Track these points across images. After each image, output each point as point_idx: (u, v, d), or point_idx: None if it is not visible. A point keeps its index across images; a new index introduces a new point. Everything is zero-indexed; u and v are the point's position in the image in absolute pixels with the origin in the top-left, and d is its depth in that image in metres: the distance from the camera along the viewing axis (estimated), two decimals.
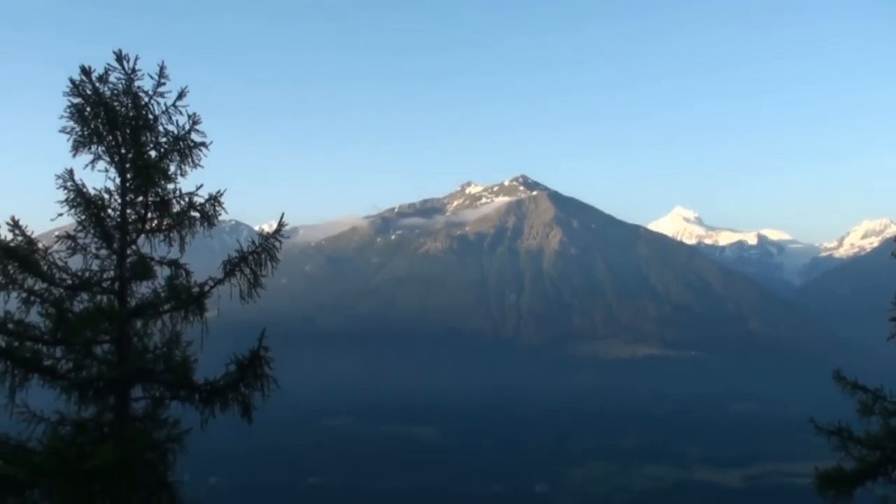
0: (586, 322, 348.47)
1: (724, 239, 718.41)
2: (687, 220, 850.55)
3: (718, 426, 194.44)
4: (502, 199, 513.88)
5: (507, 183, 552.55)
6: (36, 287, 11.22)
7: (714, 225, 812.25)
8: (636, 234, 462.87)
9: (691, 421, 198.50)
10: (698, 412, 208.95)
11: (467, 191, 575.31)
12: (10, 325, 10.78)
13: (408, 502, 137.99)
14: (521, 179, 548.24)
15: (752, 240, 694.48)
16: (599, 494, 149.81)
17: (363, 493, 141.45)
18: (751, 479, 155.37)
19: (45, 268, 11.28)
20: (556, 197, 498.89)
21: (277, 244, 11.95)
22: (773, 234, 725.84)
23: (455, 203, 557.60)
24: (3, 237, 10.88)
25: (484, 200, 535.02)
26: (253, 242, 11.92)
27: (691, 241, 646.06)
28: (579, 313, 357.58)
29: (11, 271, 10.98)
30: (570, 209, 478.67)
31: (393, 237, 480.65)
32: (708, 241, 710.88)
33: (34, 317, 11.17)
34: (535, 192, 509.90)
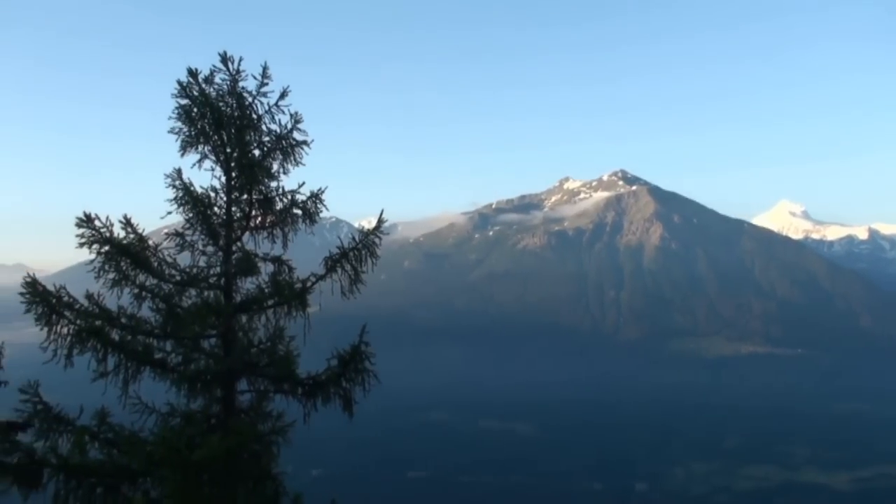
0: (688, 318, 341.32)
1: (833, 233, 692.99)
2: (793, 214, 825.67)
3: (826, 426, 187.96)
4: (601, 195, 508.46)
5: (605, 178, 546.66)
6: (147, 283, 11.55)
7: (821, 219, 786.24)
8: (740, 229, 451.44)
9: (798, 421, 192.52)
10: (805, 412, 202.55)
11: (565, 186, 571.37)
12: (123, 320, 11.14)
13: (506, 498, 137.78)
14: (620, 174, 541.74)
15: (862, 234, 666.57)
16: (701, 494, 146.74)
17: (461, 488, 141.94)
18: (861, 482, 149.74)
19: (156, 264, 11.60)
20: (656, 192, 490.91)
21: (377, 240, 12.02)
22: (886, 228, 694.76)
23: (553, 199, 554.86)
24: (116, 235, 11.25)
25: (582, 196, 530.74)
26: (353, 239, 12.02)
27: (798, 236, 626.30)
28: (680, 310, 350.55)
29: (124, 268, 11.34)
30: (670, 204, 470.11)
31: (491, 233, 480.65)
32: (815, 236, 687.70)
33: (145, 312, 11.53)
34: (634, 187, 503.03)
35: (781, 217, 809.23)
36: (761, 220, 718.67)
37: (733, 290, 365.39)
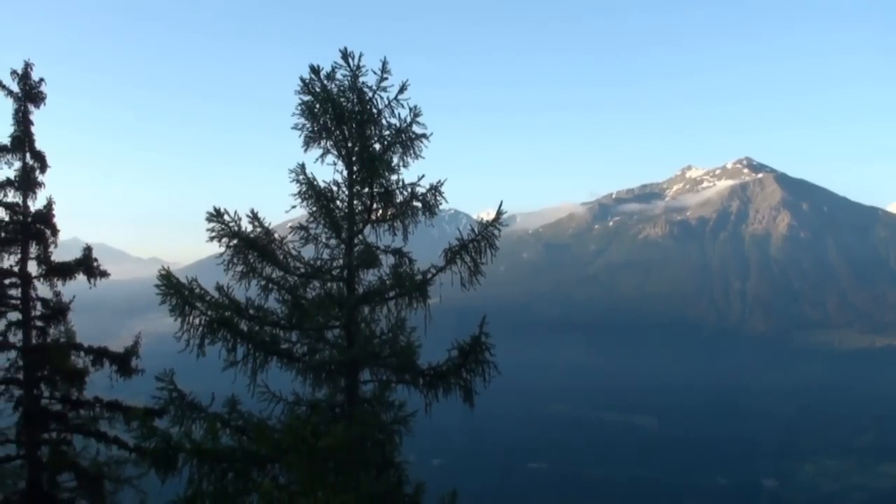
0: (818, 310, 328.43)
1: None
2: None
3: None
4: (725, 183, 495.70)
5: (729, 166, 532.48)
6: (273, 275, 11.88)
7: None
8: (874, 217, 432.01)
9: None
10: None
11: (688, 175, 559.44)
12: (251, 311, 11.50)
13: (628, 492, 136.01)
14: (745, 162, 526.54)
15: None
16: (833, 492, 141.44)
17: (582, 480, 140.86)
18: None
19: (281, 257, 11.92)
20: (783, 179, 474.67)
21: (496, 232, 11.96)
22: None
23: (675, 188, 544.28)
24: (244, 229, 11.62)
25: (705, 184, 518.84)
26: (472, 231, 12.00)
27: None
28: (810, 301, 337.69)
29: (252, 260, 11.69)
30: (799, 191, 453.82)
31: (611, 223, 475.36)
32: None
33: (272, 303, 11.87)
34: (760, 175, 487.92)
35: None
36: None
37: (867, 280, 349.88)
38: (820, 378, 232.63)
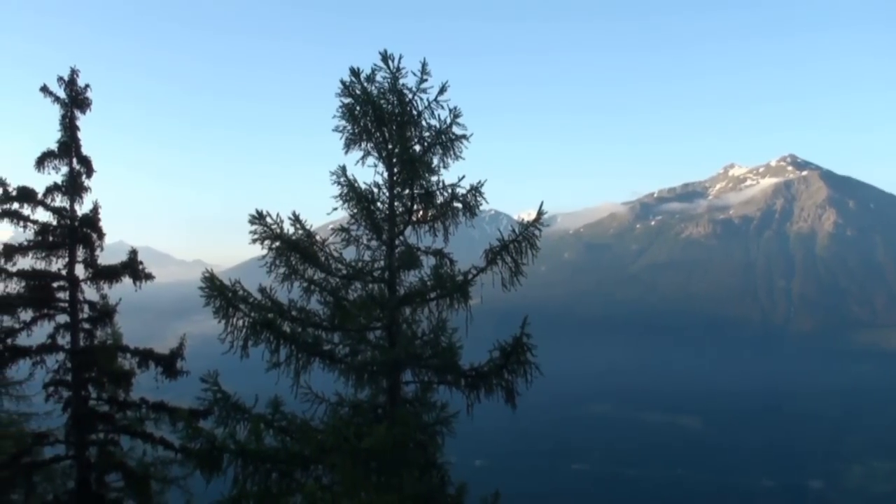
0: (866, 309, 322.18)
1: None
2: None
3: None
4: (769, 181, 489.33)
5: (773, 163, 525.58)
6: (315, 277, 11.96)
7: None
8: None
9: None
10: None
11: (730, 173, 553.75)
12: (294, 313, 11.60)
13: (672, 494, 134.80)
14: (788, 159, 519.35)
15: None
16: (883, 493, 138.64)
17: (626, 483, 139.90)
18: None
19: (323, 259, 11.99)
20: (828, 176, 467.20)
21: (537, 232, 11.94)
22: None
23: (718, 186, 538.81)
24: (286, 231, 11.70)
25: (749, 182, 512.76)
26: (513, 231, 11.98)
27: None
28: (857, 299, 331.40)
29: (294, 262, 11.78)
30: (845, 189, 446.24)
31: (653, 223, 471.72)
32: None
33: (314, 305, 11.95)
34: (804, 172, 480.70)
35: None
36: None
37: None
38: (868, 378, 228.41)
